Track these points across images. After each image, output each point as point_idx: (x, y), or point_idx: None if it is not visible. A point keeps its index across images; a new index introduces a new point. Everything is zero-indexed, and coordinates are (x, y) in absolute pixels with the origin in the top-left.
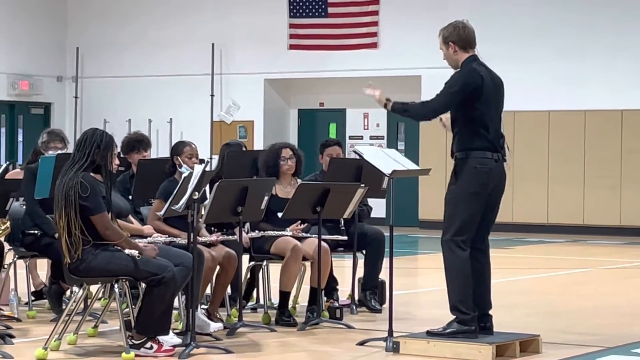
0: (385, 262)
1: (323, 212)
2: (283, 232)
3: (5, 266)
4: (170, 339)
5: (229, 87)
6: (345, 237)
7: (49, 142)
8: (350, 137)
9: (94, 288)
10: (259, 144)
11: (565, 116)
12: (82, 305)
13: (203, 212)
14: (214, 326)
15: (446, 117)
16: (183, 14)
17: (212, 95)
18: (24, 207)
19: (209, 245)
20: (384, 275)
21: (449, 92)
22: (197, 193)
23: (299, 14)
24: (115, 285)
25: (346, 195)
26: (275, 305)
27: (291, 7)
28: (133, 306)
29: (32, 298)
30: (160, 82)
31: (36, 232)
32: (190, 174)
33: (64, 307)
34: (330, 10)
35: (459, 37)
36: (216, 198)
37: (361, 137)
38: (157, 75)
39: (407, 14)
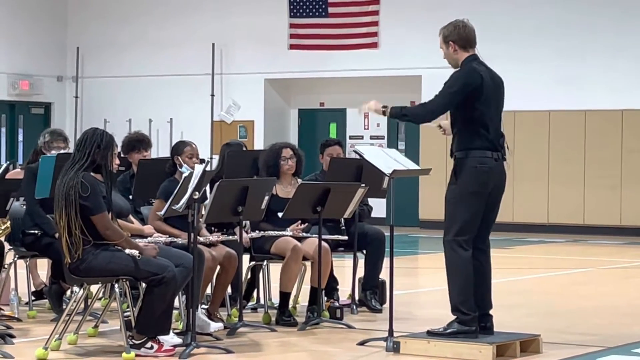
0: (386, 262)
1: (323, 212)
2: (283, 232)
3: (6, 266)
4: (170, 339)
5: (229, 87)
6: (346, 237)
7: (51, 142)
8: (351, 137)
9: (94, 288)
10: (259, 144)
11: (565, 116)
12: (82, 305)
13: (203, 212)
14: (215, 326)
15: (445, 123)
16: (183, 14)
17: (213, 95)
18: (25, 207)
19: (210, 245)
20: (384, 275)
21: (448, 92)
22: (197, 193)
23: (299, 14)
24: (116, 285)
25: (346, 195)
26: (275, 305)
27: (291, 7)
28: (133, 306)
29: (33, 298)
30: (161, 82)
31: (36, 232)
32: (191, 174)
33: (64, 307)
34: (331, 10)
35: (459, 36)
36: (216, 198)
37: (361, 137)
38: (158, 75)
39: (407, 14)
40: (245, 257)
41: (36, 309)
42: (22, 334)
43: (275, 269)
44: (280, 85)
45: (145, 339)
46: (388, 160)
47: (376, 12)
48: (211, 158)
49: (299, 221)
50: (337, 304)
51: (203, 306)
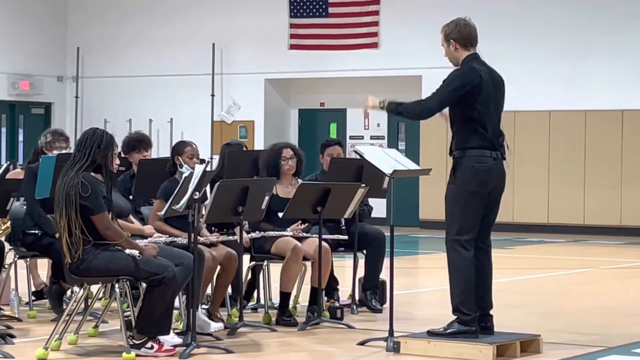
0: (386, 262)
1: (324, 212)
2: (283, 232)
3: (6, 266)
4: (170, 339)
5: (229, 87)
6: (346, 237)
7: (53, 142)
8: (351, 137)
9: (94, 288)
10: (259, 144)
11: (565, 116)
12: (82, 305)
13: (204, 212)
14: (215, 326)
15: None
16: (183, 14)
17: (213, 95)
18: (25, 207)
19: (210, 245)
20: (384, 275)
21: (445, 90)
22: (197, 193)
23: (299, 14)
24: (116, 285)
25: (347, 195)
26: (275, 305)
27: (292, 7)
28: (134, 306)
29: (33, 298)
30: (161, 82)
31: (37, 232)
32: (191, 174)
33: (64, 307)
34: (331, 10)
35: (460, 35)
36: (217, 198)
37: (362, 137)
38: (158, 75)
39: (408, 14)
40: (246, 257)
41: (36, 309)
42: (22, 334)
43: (275, 269)
44: (280, 85)
45: (146, 339)
46: (388, 160)
47: (376, 12)
48: (211, 158)
49: (299, 221)
50: (338, 304)
51: (203, 306)
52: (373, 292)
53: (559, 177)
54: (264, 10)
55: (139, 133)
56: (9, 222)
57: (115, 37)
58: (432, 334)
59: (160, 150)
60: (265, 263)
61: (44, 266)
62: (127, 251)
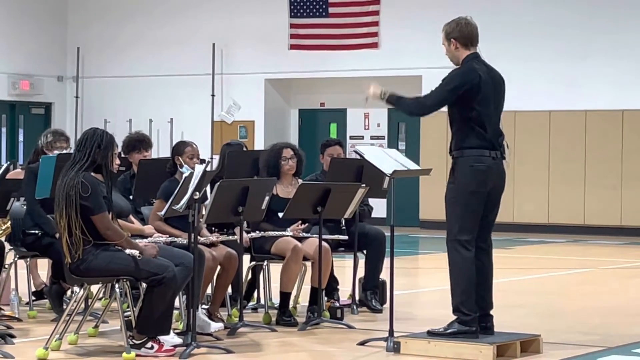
0: (386, 262)
1: (324, 212)
2: (284, 232)
3: (6, 266)
4: (171, 339)
5: (229, 87)
6: (346, 237)
7: (54, 142)
8: (351, 137)
9: (94, 288)
10: (259, 144)
11: (565, 116)
12: (82, 305)
13: (204, 212)
14: (215, 326)
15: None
16: (183, 14)
17: (213, 95)
18: (25, 207)
19: (210, 245)
20: (384, 275)
21: (444, 89)
22: (197, 193)
23: (299, 14)
24: (116, 285)
25: (347, 195)
26: (276, 305)
27: (292, 7)
28: (134, 306)
29: (33, 298)
30: (161, 82)
31: (37, 232)
32: (191, 174)
33: (64, 307)
34: (331, 10)
35: (460, 34)
36: (217, 198)
37: (362, 137)
38: (158, 75)
39: (408, 14)
40: (246, 257)
41: (36, 309)
42: (22, 334)
43: (275, 269)
44: (280, 85)
45: (146, 339)
46: (388, 160)
47: (376, 12)
48: (211, 158)
49: (300, 221)
50: (338, 304)
51: (203, 306)
52: (373, 292)
53: (559, 177)
54: (264, 10)
55: (139, 133)
56: (9, 222)
57: (115, 37)
58: (432, 334)
59: (160, 150)
60: (265, 263)
61: (44, 266)
62: (127, 251)
